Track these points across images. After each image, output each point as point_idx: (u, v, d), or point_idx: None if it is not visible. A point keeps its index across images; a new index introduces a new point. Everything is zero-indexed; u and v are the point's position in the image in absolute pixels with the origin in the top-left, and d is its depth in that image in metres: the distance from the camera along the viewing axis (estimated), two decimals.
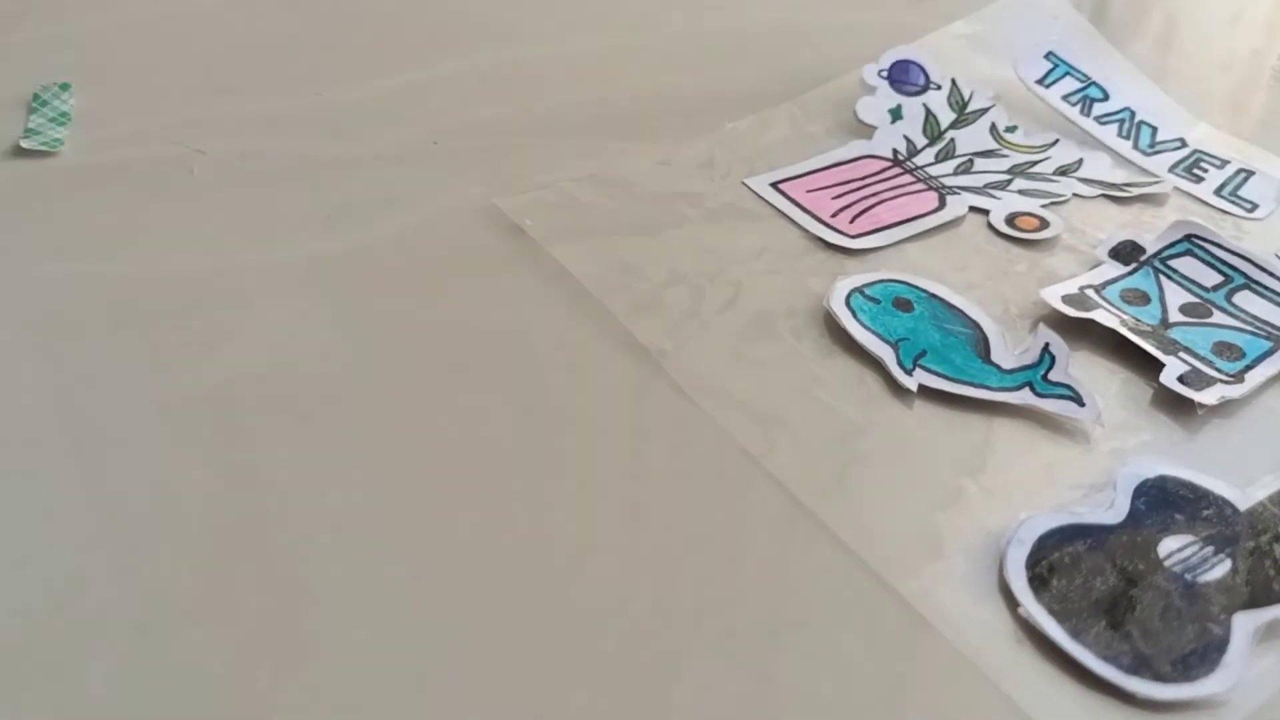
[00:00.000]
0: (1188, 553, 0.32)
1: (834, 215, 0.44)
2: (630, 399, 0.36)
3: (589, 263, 0.40)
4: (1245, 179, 0.47)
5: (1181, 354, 0.38)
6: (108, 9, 0.52)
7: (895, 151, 0.47)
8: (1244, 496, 0.33)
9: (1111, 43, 0.55)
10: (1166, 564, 0.31)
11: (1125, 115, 0.50)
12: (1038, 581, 0.31)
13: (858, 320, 0.38)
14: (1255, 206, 0.46)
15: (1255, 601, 0.30)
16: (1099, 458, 0.35)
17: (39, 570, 0.29)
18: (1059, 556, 0.31)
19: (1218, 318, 0.40)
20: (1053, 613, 0.30)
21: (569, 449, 0.34)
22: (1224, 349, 0.38)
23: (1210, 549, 0.32)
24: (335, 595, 0.29)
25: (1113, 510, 0.33)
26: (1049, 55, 0.51)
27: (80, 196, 0.42)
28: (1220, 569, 0.31)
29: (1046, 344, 0.37)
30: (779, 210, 0.44)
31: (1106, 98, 0.50)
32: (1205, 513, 0.33)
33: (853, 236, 0.43)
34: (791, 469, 0.34)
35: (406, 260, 0.40)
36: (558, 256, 0.40)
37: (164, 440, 0.33)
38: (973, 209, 0.45)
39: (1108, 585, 0.30)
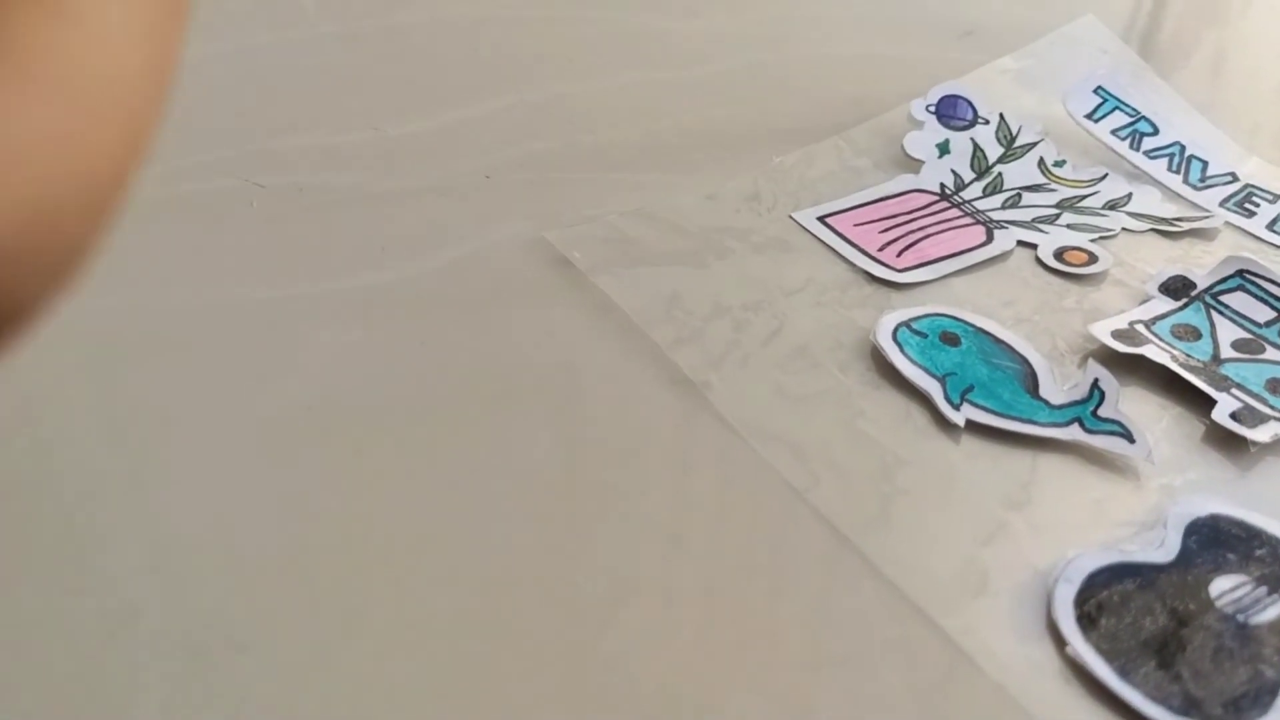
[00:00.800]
0: (1240, 593, 0.31)
1: (881, 249, 0.44)
2: (674, 431, 0.36)
3: (635, 295, 0.40)
4: None
5: (1234, 390, 0.37)
6: None
7: (943, 186, 0.47)
8: None
9: (1160, 73, 0.55)
10: (1218, 604, 0.31)
11: (1175, 149, 0.50)
12: (1086, 620, 0.30)
13: (904, 354, 0.38)
14: None
15: None
16: (1149, 495, 0.35)
17: (92, 599, 0.30)
18: (1108, 595, 0.31)
19: (1271, 354, 0.39)
20: (1101, 652, 0.29)
21: (612, 481, 0.34)
22: (1277, 385, 0.38)
23: (1263, 589, 0.31)
24: (383, 627, 0.30)
25: (1163, 549, 0.32)
26: (1098, 90, 0.51)
27: (142, 229, 0.43)
28: (1274, 610, 0.31)
29: (1096, 379, 0.37)
30: (825, 244, 0.44)
31: (1156, 132, 0.50)
32: (1258, 552, 0.32)
33: (899, 270, 0.43)
34: (835, 503, 0.34)
35: (457, 291, 0.41)
36: (604, 288, 0.41)
37: (216, 470, 0.33)
38: (1020, 243, 0.45)
39: (1157, 625, 0.30)
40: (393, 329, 0.39)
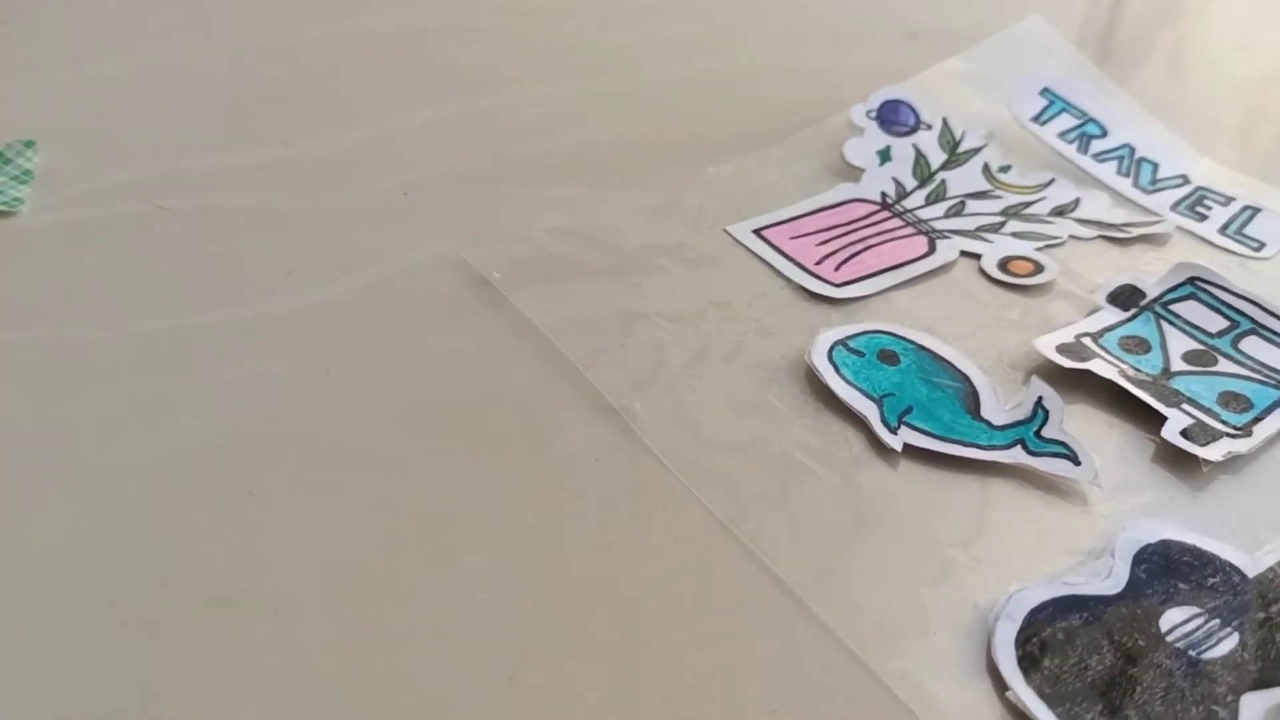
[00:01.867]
0: (1192, 626, 0.29)
1: (818, 263, 0.42)
2: (597, 464, 0.34)
3: (558, 317, 0.38)
4: (1251, 216, 0.45)
5: (1185, 406, 0.36)
6: (77, 64, 0.51)
7: (884, 194, 0.46)
8: (1253, 562, 0.31)
9: (1117, 72, 0.53)
10: (1169, 639, 0.29)
11: (1124, 152, 0.48)
12: (1028, 661, 0.28)
13: (840, 375, 0.36)
14: (1262, 245, 0.44)
15: (1265, 681, 0.28)
16: (1096, 520, 0.33)
17: None
18: (1051, 633, 0.29)
19: (1223, 365, 0.37)
20: (1044, 696, 0.27)
21: (528, 520, 0.32)
22: (1230, 399, 0.36)
23: (1216, 621, 0.29)
24: (274, 689, 0.27)
25: (1110, 579, 0.31)
26: (1044, 91, 0.49)
27: (35, 258, 0.40)
28: (1228, 644, 0.29)
29: (1040, 398, 0.35)
30: (761, 258, 0.42)
31: (1105, 134, 0.48)
32: (1211, 581, 0.30)
33: (837, 285, 0.41)
34: (766, 540, 0.31)
35: (368, 317, 0.38)
36: (525, 311, 0.38)
37: (97, 517, 0.31)
38: (964, 253, 0.43)
39: (1104, 664, 0.28)
40: (298, 359, 0.37)
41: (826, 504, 0.33)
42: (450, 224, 0.43)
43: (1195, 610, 0.30)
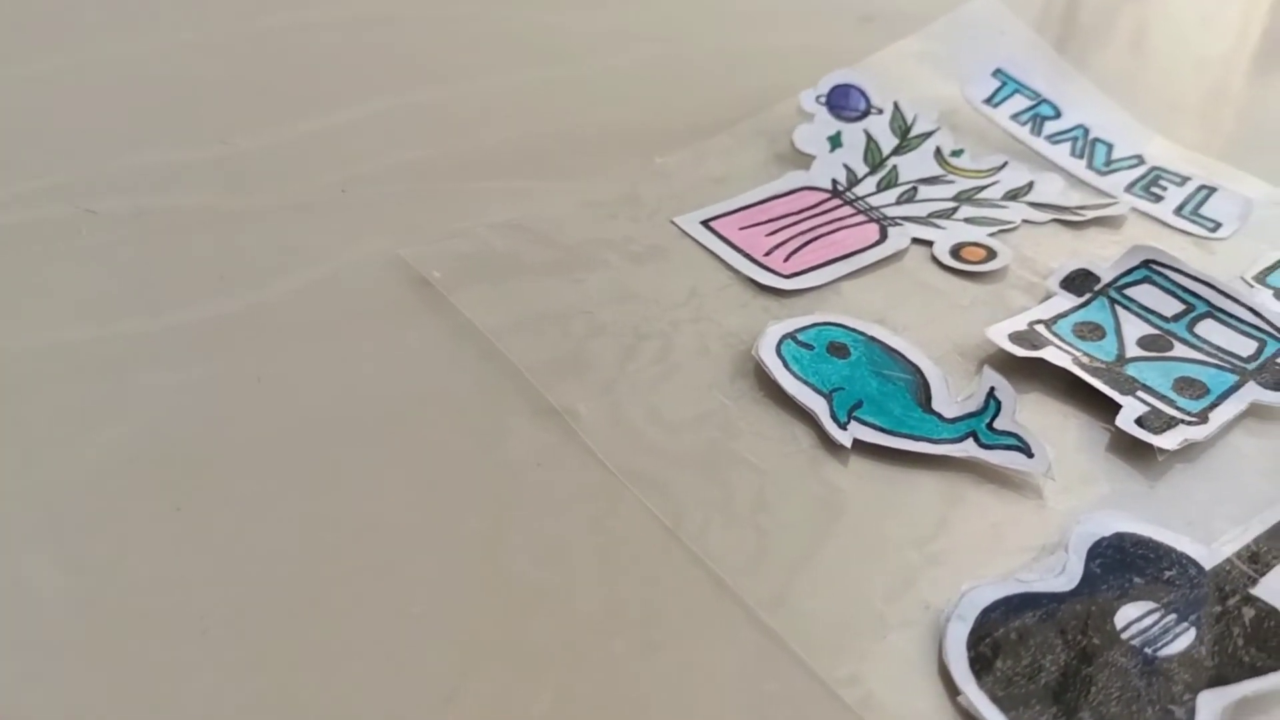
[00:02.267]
0: (1148, 622, 0.29)
1: (767, 253, 0.41)
2: (540, 469, 0.33)
3: (500, 316, 0.37)
4: (1207, 196, 0.44)
5: (1140, 393, 0.35)
6: (3, 63, 0.50)
7: (834, 182, 0.45)
8: (1210, 553, 0.30)
9: (1080, 49, 0.52)
10: (1124, 636, 0.28)
11: (1078, 133, 0.47)
12: (980, 663, 0.28)
13: (789, 370, 0.35)
14: (1218, 226, 0.43)
15: (1221, 678, 0.27)
16: (1051, 514, 0.32)
17: None
18: (1004, 633, 0.28)
19: (1179, 350, 0.37)
20: (996, 700, 0.27)
21: (470, 528, 0.31)
22: (1186, 385, 0.36)
23: (1173, 616, 0.29)
24: (203, 713, 0.26)
25: (1064, 575, 0.30)
26: (997, 72, 0.49)
27: None
28: (1184, 640, 0.28)
29: (991, 388, 0.35)
30: (709, 250, 0.41)
31: (1058, 115, 0.48)
32: (1167, 574, 0.30)
33: (786, 276, 0.40)
34: (713, 544, 0.31)
35: (304, 320, 0.37)
36: (464, 309, 0.37)
37: (19, 534, 0.30)
38: (916, 241, 0.42)
39: (1058, 664, 0.28)
40: (232, 365, 0.35)
41: (775, 505, 0.32)
42: (391, 221, 0.42)
43: (1151, 605, 0.29)
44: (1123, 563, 0.30)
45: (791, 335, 0.37)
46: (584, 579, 0.30)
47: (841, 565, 0.30)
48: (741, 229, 0.42)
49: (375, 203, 0.43)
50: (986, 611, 0.29)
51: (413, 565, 0.30)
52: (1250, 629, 0.28)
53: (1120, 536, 0.31)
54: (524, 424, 0.34)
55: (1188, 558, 0.30)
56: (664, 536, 0.31)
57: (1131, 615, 0.29)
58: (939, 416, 0.34)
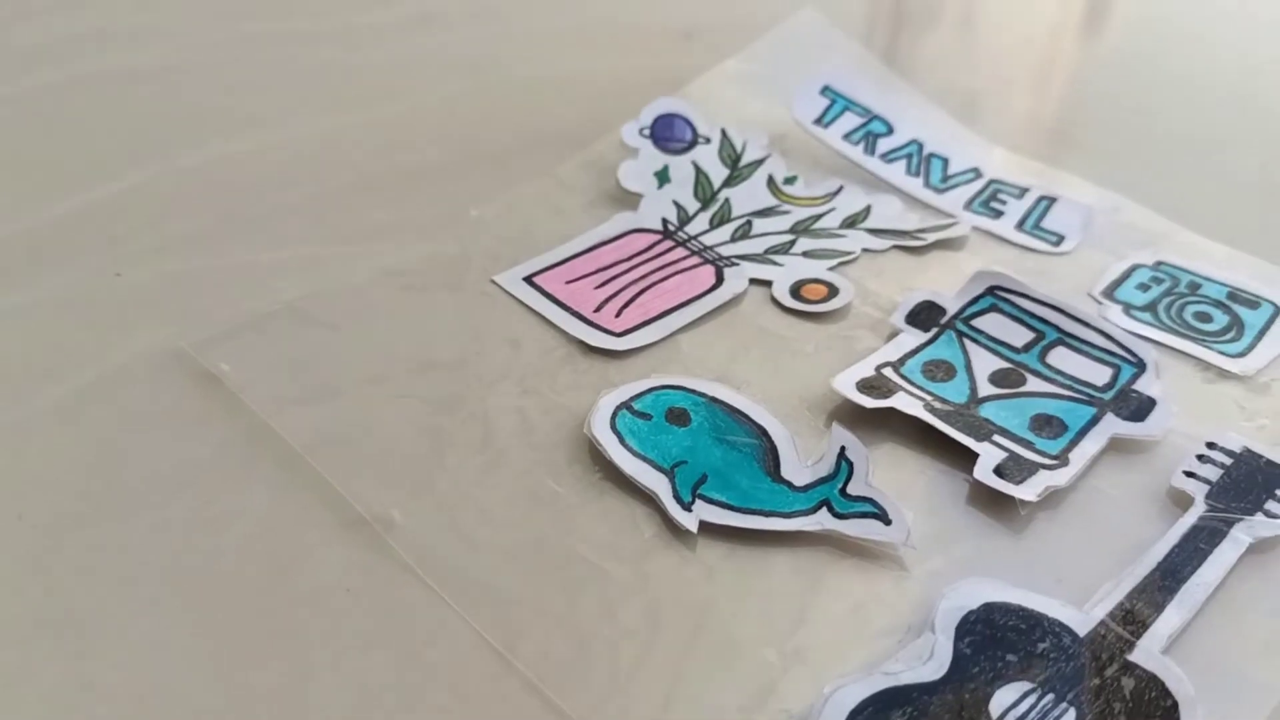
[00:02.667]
0: (1024, 707, 0.26)
1: (597, 309, 0.38)
2: (349, 594, 0.29)
3: (299, 415, 0.33)
4: (1047, 207, 0.43)
5: (996, 437, 0.33)
6: None
7: (665, 221, 0.42)
8: (1083, 618, 0.28)
9: (912, 32, 0.50)
10: None
11: (913, 149, 0.45)
12: None
13: (625, 446, 0.32)
14: (1061, 239, 0.42)
15: None
16: (914, 586, 0.30)
17: None
18: None
19: (1033, 384, 0.35)
20: None
21: (268, 681, 0.27)
22: (1043, 424, 0.34)
23: (1050, 697, 0.26)
24: None
25: (934, 660, 0.27)
26: (825, 90, 0.46)
27: None
28: None
29: (842, 448, 0.32)
30: (535, 311, 0.38)
31: (891, 131, 0.46)
32: (1040, 647, 0.28)
33: (618, 334, 0.37)
34: (550, 668, 0.27)
35: (71, 439, 0.32)
36: (259, 411, 0.33)
37: None
38: (754, 281, 0.39)
39: None
40: None
41: (614, 607, 0.29)
42: (170, 307, 0.37)
43: (1027, 686, 0.27)
44: (993, 639, 0.28)
45: (627, 405, 0.34)
46: (403, 715, 0.26)
47: (690, 676, 0.27)
48: (568, 282, 0.39)
49: (150, 287, 0.38)
50: (854, 715, 0.26)
51: (203, 712, 0.26)
52: (1131, 702, 0.26)
53: (989, 609, 0.28)
54: (331, 541, 0.30)
55: (1061, 625, 0.28)
56: (495, 662, 0.27)
57: (1006, 700, 0.26)
58: (789, 485, 0.32)
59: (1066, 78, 0.58)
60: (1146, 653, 0.27)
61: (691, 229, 0.41)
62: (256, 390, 0.34)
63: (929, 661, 0.27)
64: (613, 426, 0.33)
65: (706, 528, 0.30)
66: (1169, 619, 0.28)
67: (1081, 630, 0.28)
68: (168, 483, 0.31)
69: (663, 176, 0.43)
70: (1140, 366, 0.35)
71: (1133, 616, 0.28)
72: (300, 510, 0.31)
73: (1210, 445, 0.33)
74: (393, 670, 0.27)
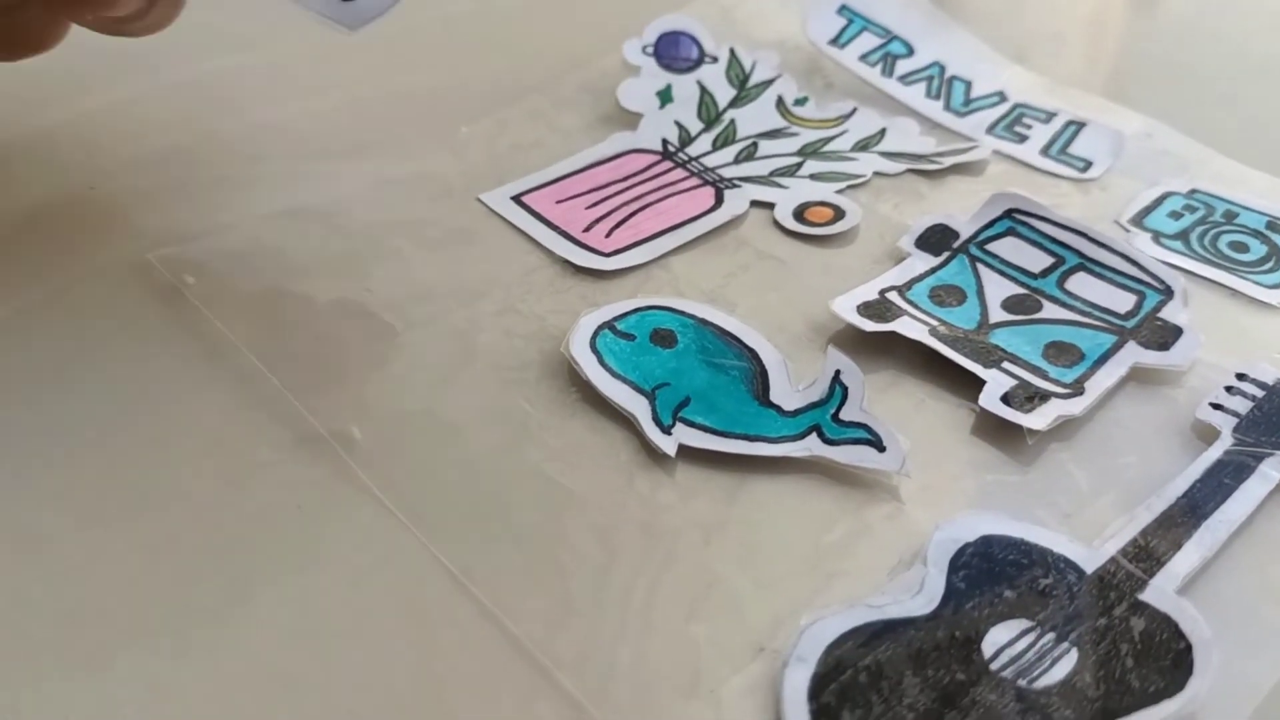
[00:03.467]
0: (1021, 645, 0.24)
1: (587, 229, 0.36)
2: (300, 512, 0.27)
3: (264, 328, 0.31)
4: (1076, 132, 0.40)
5: (1006, 364, 0.30)
6: None
7: (665, 142, 0.39)
8: (1091, 553, 0.26)
9: None
10: (994, 666, 0.24)
11: (934, 71, 0.42)
12: (824, 716, 0.23)
13: (605, 366, 0.30)
14: (1089, 165, 0.39)
15: (1109, 711, 0.23)
16: (908, 519, 0.27)
17: None
18: (852, 675, 0.23)
19: (1049, 311, 0.32)
20: None
21: (207, 598, 0.25)
22: (1058, 351, 0.31)
23: (1050, 636, 0.24)
24: None
25: (923, 594, 0.25)
26: (842, 9, 0.43)
27: None
28: (1064, 665, 0.24)
29: (837, 372, 0.30)
30: (521, 230, 0.36)
31: (911, 53, 0.43)
32: (1043, 582, 0.25)
33: (607, 255, 0.35)
34: (506, 593, 0.25)
35: (22, 348, 0.31)
36: (221, 323, 0.31)
37: None
38: (755, 204, 0.37)
39: (917, 711, 0.23)
40: None
41: (583, 537, 0.27)
42: (142, 222, 0.35)
43: (1025, 624, 0.24)
44: (990, 573, 0.25)
45: (609, 325, 0.31)
46: (350, 650, 0.24)
47: (658, 604, 0.25)
48: (559, 202, 0.37)
49: (124, 199, 0.37)
50: (831, 649, 0.24)
51: (134, 650, 0.24)
52: (1140, 644, 0.24)
53: (987, 541, 0.26)
54: (284, 457, 0.28)
55: (1066, 561, 0.26)
56: (451, 587, 0.25)
57: (1002, 639, 0.24)
58: (778, 410, 0.29)
59: (1109, 31, 0.54)
60: (1160, 592, 0.25)
61: (693, 150, 0.39)
62: (220, 303, 0.32)
63: (917, 595, 0.25)
64: (593, 347, 0.31)
65: (686, 452, 0.28)
66: (1187, 557, 0.26)
67: (1089, 567, 0.25)
68: (119, 395, 0.30)
69: (665, 96, 0.41)
70: (1167, 294, 0.32)
71: (1147, 553, 0.26)
72: (255, 426, 0.29)
73: (1240, 376, 0.30)
74: (339, 592, 0.25)
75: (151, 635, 0.24)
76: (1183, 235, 0.35)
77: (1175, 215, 0.36)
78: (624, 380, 0.30)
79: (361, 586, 0.26)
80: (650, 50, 0.42)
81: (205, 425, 0.29)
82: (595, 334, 0.31)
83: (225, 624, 0.25)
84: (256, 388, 0.30)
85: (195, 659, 0.24)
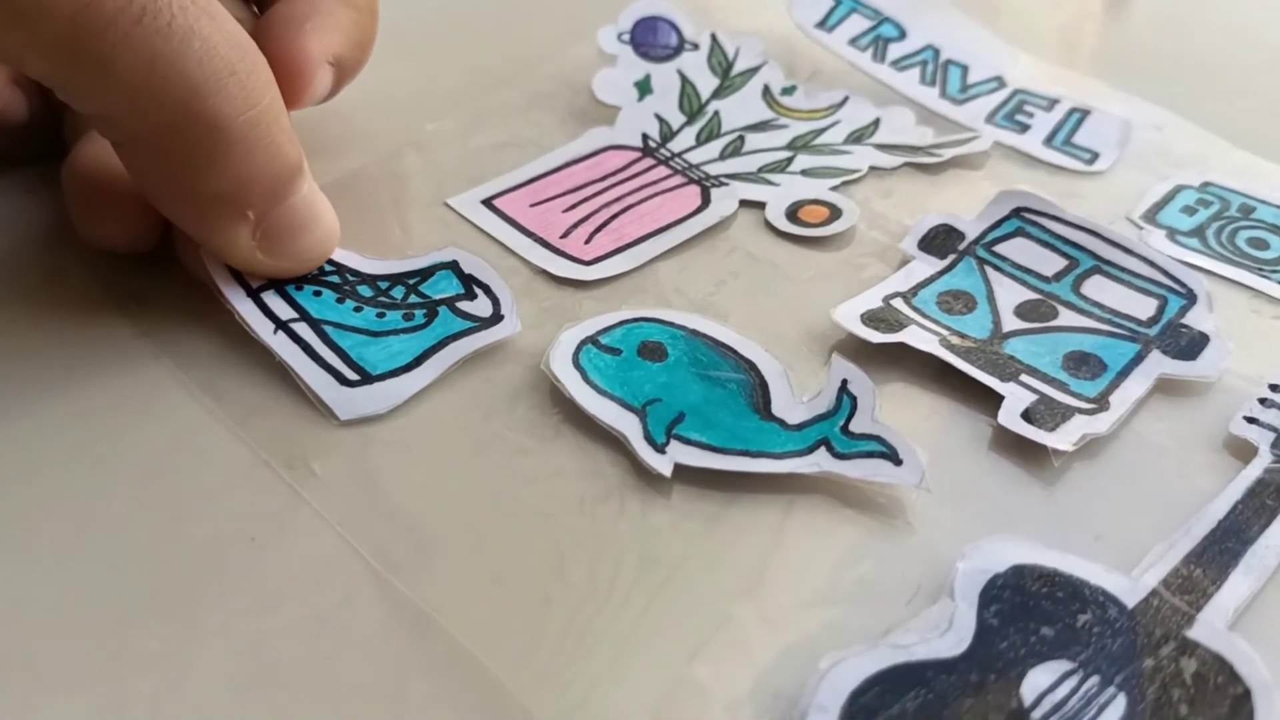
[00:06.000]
0: (1064, 691, 0.22)
1: (565, 235, 0.33)
2: (254, 544, 0.24)
3: (216, 344, 0.29)
4: (1080, 121, 0.38)
5: (1024, 377, 0.28)
6: None
7: (645, 137, 0.37)
8: (1132, 585, 0.24)
9: None
10: (1036, 716, 0.21)
11: (928, 55, 0.40)
12: None
13: (590, 384, 0.28)
14: (1095, 156, 0.37)
15: None
16: (928, 543, 0.25)
17: None
18: None
19: (1065, 318, 0.30)
20: None
21: (148, 642, 0.22)
22: (1078, 362, 0.29)
23: (1095, 678, 0.22)
24: None
25: (953, 631, 0.23)
26: None
27: None
28: (1113, 713, 0.21)
29: (844, 382, 0.27)
30: (493, 237, 0.33)
31: (903, 35, 0.41)
32: (1082, 619, 0.23)
33: (587, 263, 0.32)
34: (481, 630, 0.23)
35: None
36: (170, 339, 0.28)
37: None
38: (744, 203, 0.34)
39: None
40: None
41: (568, 567, 0.24)
42: None
43: (1066, 666, 0.22)
44: (1025, 608, 0.23)
45: (593, 339, 0.29)
46: (307, 695, 0.22)
47: (659, 647, 0.23)
48: (533, 205, 0.34)
49: None
50: (855, 697, 0.21)
51: (63, 699, 0.21)
52: (1193, 689, 0.22)
53: (1019, 572, 0.24)
54: (240, 484, 0.25)
55: (1105, 594, 0.23)
56: (421, 625, 0.23)
57: (1043, 684, 0.22)
58: (781, 423, 0.27)
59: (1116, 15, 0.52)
60: (1209, 628, 0.23)
61: (675, 145, 0.36)
62: (169, 316, 0.29)
63: (947, 633, 0.23)
64: (575, 363, 0.28)
65: (682, 472, 0.26)
66: (1235, 588, 0.23)
67: (1130, 600, 0.23)
68: (60, 415, 0.27)
69: (644, 87, 0.38)
70: (1190, 298, 0.30)
71: (1191, 584, 0.24)
72: (210, 448, 0.26)
73: (1274, 387, 0.28)
74: (295, 632, 0.23)
75: (83, 687, 0.21)
76: (1199, 231, 0.33)
77: (1189, 210, 0.34)
78: (611, 397, 0.27)
79: (325, 627, 0.23)
80: (626, 38, 0.39)
81: (150, 445, 0.26)
82: (578, 349, 0.28)
83: (168, 676, 0.22)
84: (215, 407, 0.27)
85: (142, 705, 0.21)
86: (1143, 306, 0.30)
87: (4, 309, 0.29)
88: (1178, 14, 0.47)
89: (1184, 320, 0.30)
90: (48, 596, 0.23)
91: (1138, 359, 0.29)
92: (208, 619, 0.23)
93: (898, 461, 0.26)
